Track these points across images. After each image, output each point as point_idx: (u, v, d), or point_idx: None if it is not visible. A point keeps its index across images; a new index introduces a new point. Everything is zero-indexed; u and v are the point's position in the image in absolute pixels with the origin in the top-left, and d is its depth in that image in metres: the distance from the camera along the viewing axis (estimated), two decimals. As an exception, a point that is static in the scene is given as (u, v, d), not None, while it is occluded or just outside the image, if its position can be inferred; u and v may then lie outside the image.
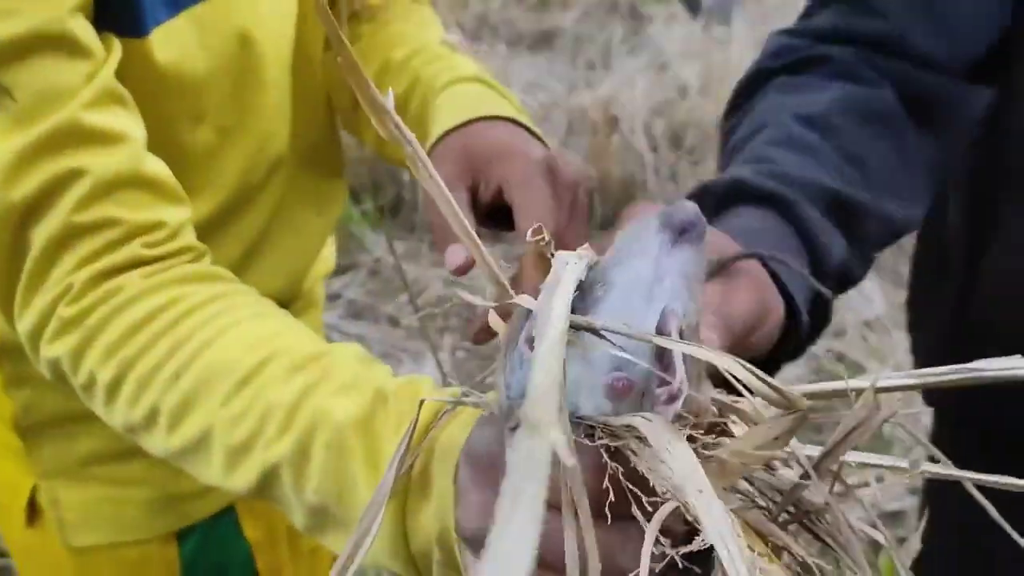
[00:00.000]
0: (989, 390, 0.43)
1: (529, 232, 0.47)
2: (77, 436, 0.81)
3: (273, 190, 0.82)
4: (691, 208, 0.43)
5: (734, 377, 0.37)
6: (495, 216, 0.71)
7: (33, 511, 0.86)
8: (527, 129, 0.75)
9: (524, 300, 0.42)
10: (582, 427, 0.41)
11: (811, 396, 0.43)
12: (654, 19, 3.85)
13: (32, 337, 0.63)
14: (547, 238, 0.47)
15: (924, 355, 0.99)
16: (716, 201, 0.67)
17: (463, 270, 0.65)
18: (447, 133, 0.73)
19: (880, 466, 0.45)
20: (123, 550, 0.85)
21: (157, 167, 0.64)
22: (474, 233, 0.46)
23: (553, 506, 0.35)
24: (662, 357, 0.41)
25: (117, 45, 0.64)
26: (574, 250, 0.70)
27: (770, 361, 0.63)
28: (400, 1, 0.90)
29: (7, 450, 0.85)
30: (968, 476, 0.42)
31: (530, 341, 0.41)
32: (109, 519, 0.84)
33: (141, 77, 0.67)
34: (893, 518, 2.03)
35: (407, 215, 3.01)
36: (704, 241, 0.43)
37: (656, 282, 0.42)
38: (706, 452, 0.39)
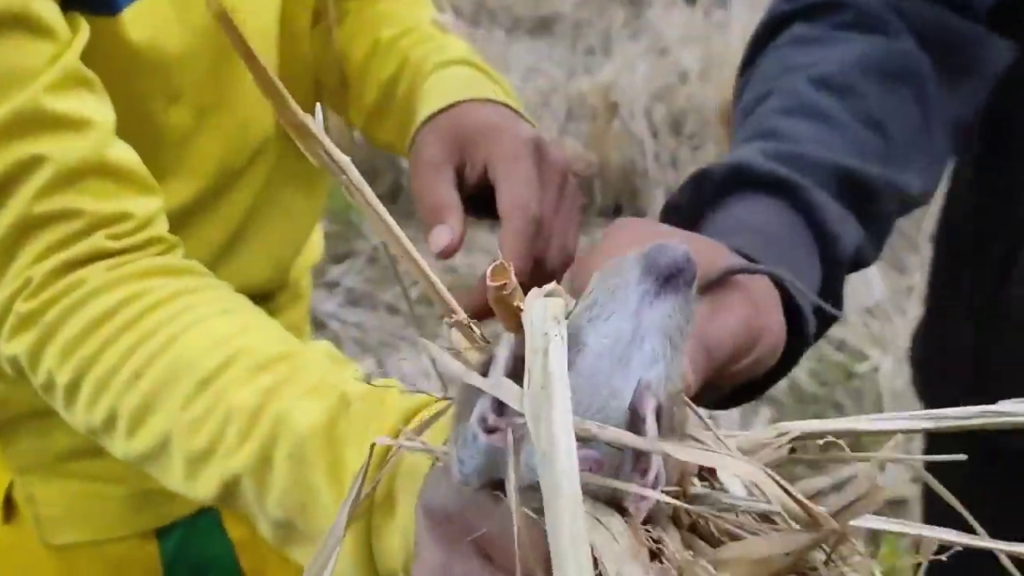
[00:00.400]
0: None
1: (488, 273, 0.40)
2: (53, 431, 0.78)
3: (258, 173, 0.79)
4: (678, 252, 0.37)
5: (755, 486, 0.34)
6: (482, 202, 0.69)
7: (9, 508, 0.83)
8: (517, 113, 0.72)
9: (475, 380, 0.37)
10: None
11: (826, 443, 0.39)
12: (653, 4, 3.82)
13: None
14: (512, 284, 0.40)
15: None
16: (717, 188, 0.62)
17: (448, 253, 0.63)
18: (434, 114, 0.71)
19: (890, 532, 0.41)
20: (103, 548, 0.82)
21: (125, 154, 0.61)
22: (428, 268, 0.43)
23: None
24: (632, 423, 0.36)
25: (84, 26, 0.61)
26: (561, 236, 0.68)
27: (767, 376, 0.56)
28: None
29: (-19, 446, 0.83)
30: (1000, 547, 0.38)
31: (482, 422, 0.36)
32: (87, 516, 0.82)
33: (113, 56, 0.64)
34: (896, 507, 2.01)
35: (405, 202, 2.99)
36: (694, 286, 0.38)
37: (634, 343, 0.37)
38: (695, 558, 0.35)
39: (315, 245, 0.95)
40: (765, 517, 0.39)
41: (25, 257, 0.58)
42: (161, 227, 0.62)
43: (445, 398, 0.46)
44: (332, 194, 0.89)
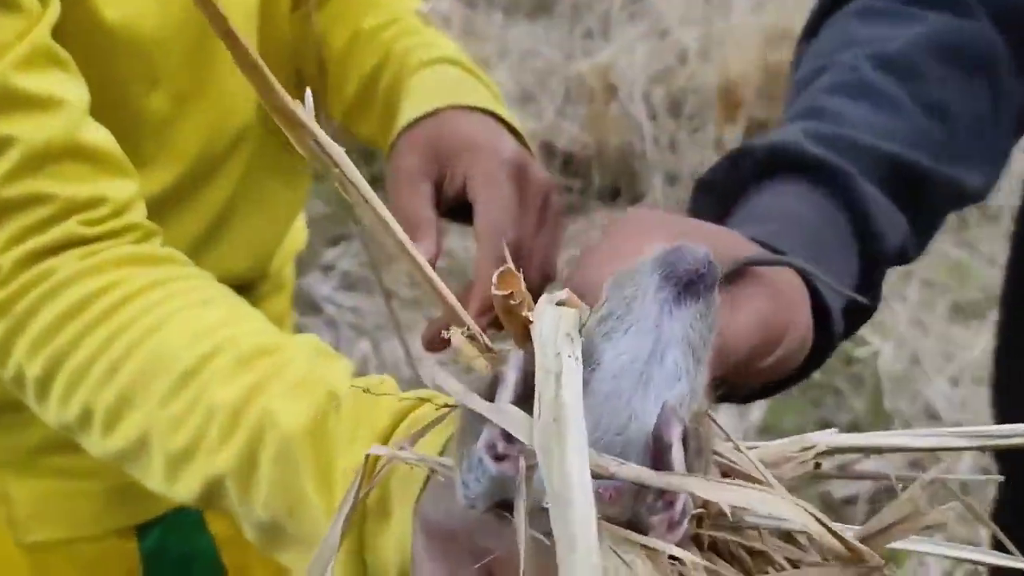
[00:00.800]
0: None
1: (495, 280, 0.37)
2: (26, 425, 0.75)
3: (238, 161, 0.77)
4: (699, 255, 0.34)
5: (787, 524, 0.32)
6: (460, 210, 0.67)
7: (-22, 507, 0.80)
8: (503, 121, 0.70)
9: (480, 406, 0.34)
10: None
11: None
12: (654, -16, 3.79)
13: None
14: (521, 292, 0.36)
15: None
16: (755, 168, 0.57)
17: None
18: (416, 120, 0.69)
19: (939, 555, 0.39)
20: (79, 546, 0.80)
21: (99, 136, 0.58)
22: (428, 268, 0.41)
23: None
24: (656, 451, 0.33)
25: (55, 1, 0.58)
26: (540, 257, 0.66)
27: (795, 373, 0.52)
28: None
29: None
30: None
31: (491, 448, 0.34)
32: (63, 513, 0.79)
33: (87, 36, 0.61)
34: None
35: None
36: (716, 290, 0.35)
37: (654, 359, 0.34)
38: None
39: (298, 233, 0.93)
40: (786, 535, 0.37)
41: None
42: (138, 213, 0.60)
43: (445, 406, 0.43)
44: (325, 176, 0.86)
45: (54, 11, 0.58)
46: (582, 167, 2.96)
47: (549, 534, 0.31)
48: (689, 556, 0.32)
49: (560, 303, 0.36)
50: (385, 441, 0.46)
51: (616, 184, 2.97)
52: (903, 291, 2.53)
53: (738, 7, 3.31)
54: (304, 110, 0.38)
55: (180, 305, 0.55)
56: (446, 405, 0.44)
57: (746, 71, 2.94)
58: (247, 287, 0.82)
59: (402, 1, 0.83)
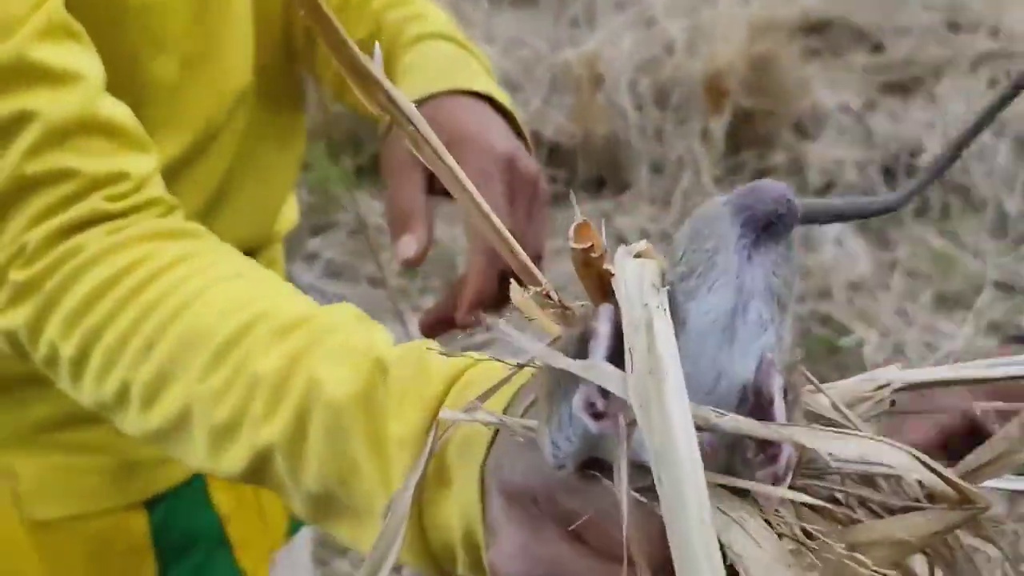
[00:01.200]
0: None
1: (572, 233, 0.36)
2: (30, 401, 0.75)
3: (236, 127, 0.76)
4: (777, 192, 0.33)
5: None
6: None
7: (-18, 485, 0.79)
8: (496, 103, 0.71)
9: (570, 365, 0.33)
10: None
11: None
12: (640, -26, 3.78)
13: None
14: (600, 245, 0.36)
15: None
16: None
17: (413, 263, 0.65)
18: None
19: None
20: (86, 522, 0.79)
21: (117, 110, 0.57)
22: (506, 232, 0.41)
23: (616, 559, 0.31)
24: (757, 405, 0.32)
25: None
26: (531, 247, 0.67)
27: None
28: None
29: (-47, 418, 0.79)
30: None
31: (590, 407, 0.32)
32: (69, 489, 0.78)
33: (98, 3, 0.60)
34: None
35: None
36: (795, 228, 0.33)
37: (739, 312, 0.33)
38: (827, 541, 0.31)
39: (290, 210, 0.92)
40: (868, 479, 0.35)
41: (18, 223, 0.55)
42: (159, 187, 0.59)
43: (518, 365, 0.42)
44: (311, 165, 0.86)
45: None
46: (568, 157, 2.96)
47: (646, 491, 0.31)
48: (805, 499, 0.31)
49: (638, 255, 0.35)
50: (438, 406, 0.45)
51: (601, 174, 2.98)
52: (887, 281, 2.54)
53: (724, -2, 3.32)
54: (377, 68, 0.38)
55: (211, 279, 0.54)
56: (515, 364, 0.42)
57: (732, 62, 2.94)
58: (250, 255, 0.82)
59: None
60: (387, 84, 0.38)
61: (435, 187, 0.69)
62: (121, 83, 0.59)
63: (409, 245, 0.66)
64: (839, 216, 0.42)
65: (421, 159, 0.40)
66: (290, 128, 0.84)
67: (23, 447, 0.78)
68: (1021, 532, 0.36)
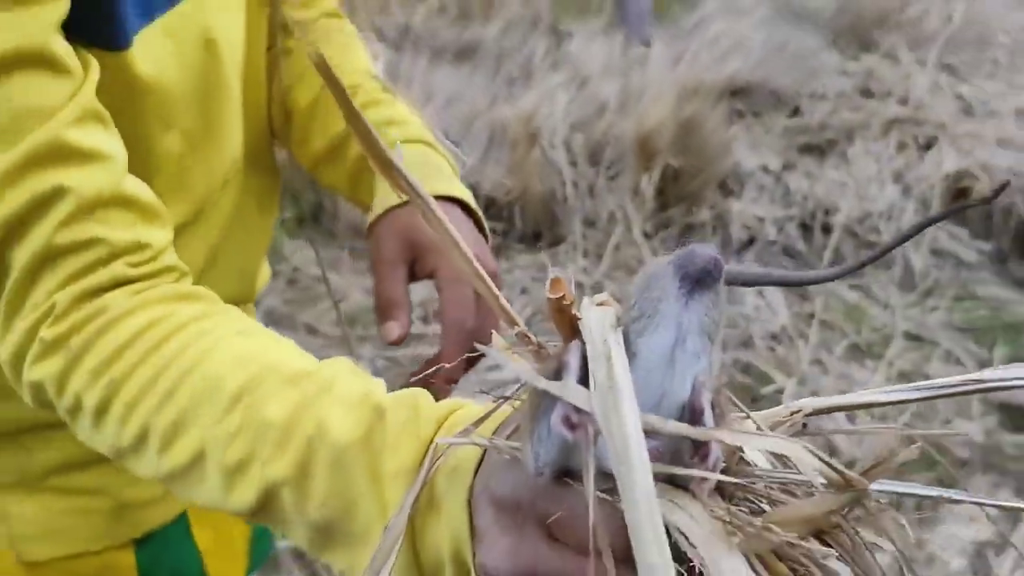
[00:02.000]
0: None
1: (548, 286, 0.44)
2: (32, 448, 0.80)
3: (230, 193, 0.83)
4: (707, 254, 0.41)
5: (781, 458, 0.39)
6: None
7: (-23, 527, 0.83)
8: (464, 206, 0.81)
9: (550, 385, 0.42)
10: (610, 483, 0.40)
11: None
12: (574, 36, 3.92)
13: (14, 361, 0.61)
14: (571, 296, 0.44)
15: None
16: None
17: (397, 343, 0.77)
18: (394, 207, 0.81)
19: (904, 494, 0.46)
20: (80, 561, 0.83)
21: (139, 187, 0.64)
22: (499, 295, 0.49)
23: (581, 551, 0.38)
24: (692, 418, 0.41)
25: (94, 63, 0.63)
26: (491, 324, 0.77)
27: None
28: (321, 21, 0.91)
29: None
30: (983, 502, 0.44)
31: (566, 420, 0.41)
32: (67, 531, 0.83)
33: (120, 90, 0.66)
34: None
35: (327, 223, 3.01)
36: (722, 280, 0.42)
37: (678, 345, 0.42)
38: (741, 523, 0.40)
39: (265, 269, 0.99)
40: (784, 487, 0.45)
41: (48, 284, 0.60)
42: (173, 256, 0.65)
43: (500, 398, 0.51)
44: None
45: (95, 72, 0.63)
46: (505, 211, 3.03)
47: (609, 491, 0.39)
48: (728, 479, 0.40)
49: (600, 303, 0.44)
50: (429, 442, 0.53)
51: (537, 228, 3.05)
52: (804, 331, 2.65)
53: (654, 62, 3.45)
54: (398, 158, 0.47)
55: (221, 335, 0.60)
56: (496, 398, 0.51)
57: (662, 122, 3.05)
58: None
59: (356, 60, 0.90)
60: (408, 175, 0.47)
61: (415, 277, 0.80)
62: (134, 156, 0.65)
63: (393, 329, 0.78)
64: (780, 283, 0.51)
65: (429, 229, 0.49)
66: (269, 194, 0.92)
67: (18, 491, 0.82)
68: (911, 530, 0.43)
